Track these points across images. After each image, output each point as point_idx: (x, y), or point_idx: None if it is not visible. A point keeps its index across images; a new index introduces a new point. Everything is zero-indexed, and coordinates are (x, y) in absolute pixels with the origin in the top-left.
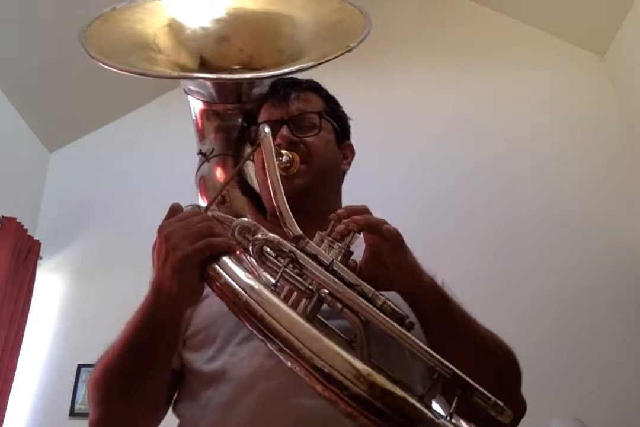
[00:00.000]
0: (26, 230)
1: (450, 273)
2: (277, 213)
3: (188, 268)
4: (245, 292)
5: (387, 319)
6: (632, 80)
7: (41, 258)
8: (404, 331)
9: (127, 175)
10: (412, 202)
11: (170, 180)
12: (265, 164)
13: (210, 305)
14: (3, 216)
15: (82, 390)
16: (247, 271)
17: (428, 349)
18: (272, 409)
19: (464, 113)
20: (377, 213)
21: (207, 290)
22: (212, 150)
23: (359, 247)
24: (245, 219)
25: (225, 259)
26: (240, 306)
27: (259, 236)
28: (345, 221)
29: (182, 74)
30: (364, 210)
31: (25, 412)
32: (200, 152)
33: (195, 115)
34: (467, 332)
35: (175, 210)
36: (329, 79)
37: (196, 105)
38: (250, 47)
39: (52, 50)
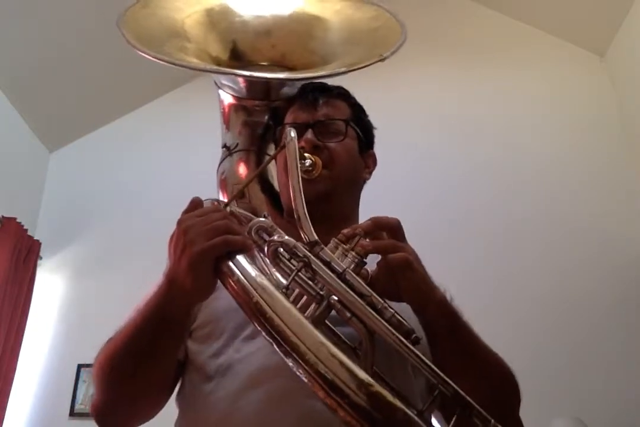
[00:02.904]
0: (26, 230)
1: (451, 273)
2: (295, 217)
3: (203, 263)
4: (257, 292)
5: (394, 331)
6: (632, 80)
7: (41, 258)
8: (409, 345)
9: (127, 175)
10: (412, 201)
11: (169, 180)
12: (288, 168)
13: (221, 298)
14: (3, 216)
15: (82, 390)
16: (260, 270)
17: (431, 365)
18: (277, 408)
19: (464, 113)
20: (377, 214)
21: (219, 283)
22: (237, 145)
23: (372, 256)
24: (263, 218)
25: (240, 257)
26: (250, 305)
27: (275, 237)
28: (352, 243)
29: (215, 68)
30: (389, 226)
31: (25, 412)
32: (224, 146)
33: (224, 108)
34: (473, 351)
35: (195, 204)
36: (328, 80)
37: (225, 98)
38: (283, 44)
39: (52, 50)
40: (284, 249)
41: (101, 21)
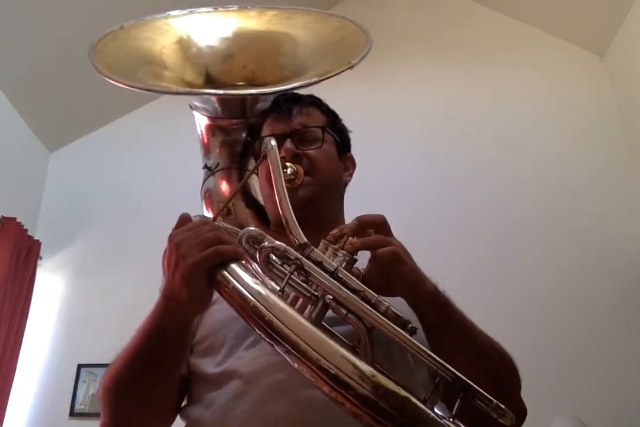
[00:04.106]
0: (26, 230)
1: (451, 273)
2: (283, 222)
3: (197, 275)
4: (253, 297)
5: (391, 324)
6: (632, 80)
7: (41, 258)
8: (407, 335)
9: (127, 175)
10: (412, 202)
11: (169, 180)
12: (272, 175)
13: (218, 311)
14: (3, 216)
15: (82, 390)
16: (254, 277)
17: (431, 353)
18: (277, 401)
19: (464, 113)
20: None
21: (214, 296)
22: (217, 165)
23: (363, 255)
24: (252, 228)
25: (234, 266)
26: (248, 311)
27: (266, 243)
28: (341, 242)
29: (188, 89)
30: (375, 223)
31: (25, 412)
32: (205, 166)
33: (201, 131)
34: (469, 339)
35: (184, 220)
36: (329, 80)
37: (201, 120)
38: (253, 63)
39: (52, 50)
40: (275, 255)
41: (101, 21)
